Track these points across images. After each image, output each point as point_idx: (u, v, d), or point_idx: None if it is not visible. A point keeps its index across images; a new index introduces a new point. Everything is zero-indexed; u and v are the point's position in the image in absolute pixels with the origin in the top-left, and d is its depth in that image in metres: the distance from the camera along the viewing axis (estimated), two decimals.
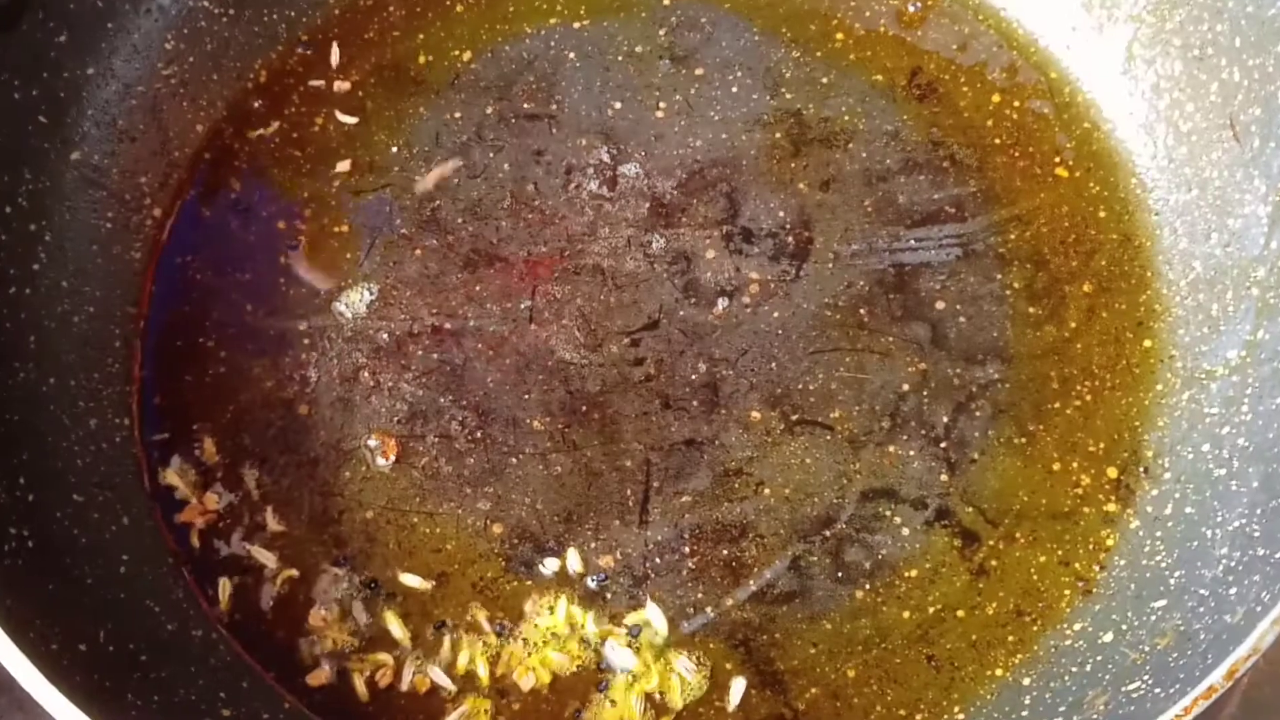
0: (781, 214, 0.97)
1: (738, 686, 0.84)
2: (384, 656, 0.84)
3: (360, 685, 0.83)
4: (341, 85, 1.01)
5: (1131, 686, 0.79)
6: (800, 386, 0.92)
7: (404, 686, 0.83)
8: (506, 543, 0.88)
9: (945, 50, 1.03)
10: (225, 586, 0.86)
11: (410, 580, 0.86)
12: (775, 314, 0.94)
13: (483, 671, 0.83)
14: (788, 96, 1.01)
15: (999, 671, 0.84)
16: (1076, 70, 1.02)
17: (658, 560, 0.87)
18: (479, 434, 0.91)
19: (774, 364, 0.92)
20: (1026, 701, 0.83)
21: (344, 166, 0.98)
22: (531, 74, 1.02)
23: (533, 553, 0.87)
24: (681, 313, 0.94)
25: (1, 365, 0.85)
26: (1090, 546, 0.88)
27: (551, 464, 0.90)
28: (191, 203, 0.97)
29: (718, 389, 0.92)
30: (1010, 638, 0.85)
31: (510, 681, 0.83)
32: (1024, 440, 0.91)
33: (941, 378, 0.92)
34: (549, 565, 0.87)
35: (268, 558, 0.86)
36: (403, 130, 1.00)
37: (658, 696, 0.83)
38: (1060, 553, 0.88)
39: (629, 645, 0.84)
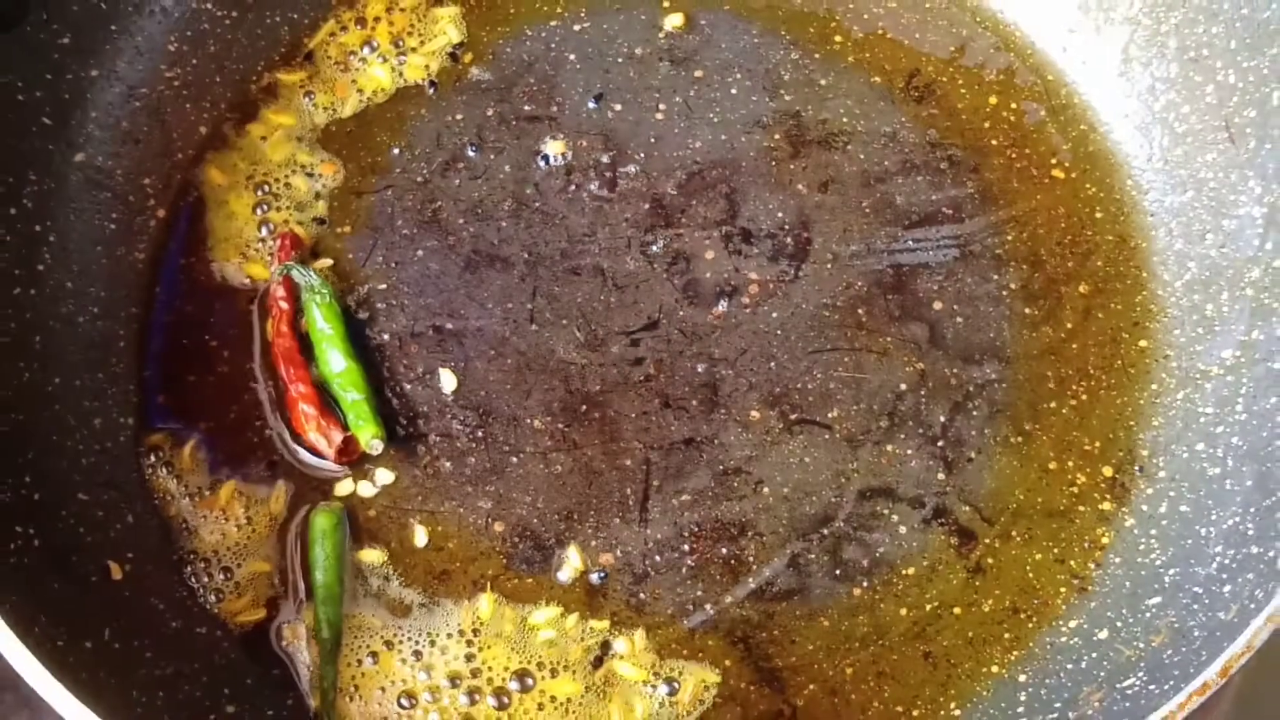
0: (780, 215, 0.98)
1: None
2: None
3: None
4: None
5: (1126, 683, 0.79)
6: (799, 386, 0.92)
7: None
8: (507, 541, 0.88)
9: (943, 52, 1.03)
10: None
11: (411, 595, 0.87)
12: (774, 314, 0.95)
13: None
14: (787, 98, 1.02)
15: (995, 668, 0.85)
16: (1073, 72, 1.02)
17: (658, 558, 0.88)
18: (480, 433, 0.91)
19: (773, 364, 0.93)
20: (1022, 698, 0.83)
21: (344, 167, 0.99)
22: (531, 75, 1.02)
23: (533, 551, 0.88)
24: (681, 313, 0.95)
25: (6, 365, 0.86)
26: (1086, 545, 0.88)
27: (552, 463, 0.90)
28: (195, 204, 0.97)
29: (717, 389, 0.92)
30: (1006, 635, 0.86)
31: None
32: (1020, 439, 0.91)
33: (939, 377, 0.93)
34: (550, 563, 0.87)
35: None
36: (403, 131, 1.01)
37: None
38: (1056, 551, 0.88)
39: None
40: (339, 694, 0.83)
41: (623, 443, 0.91)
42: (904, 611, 0.87)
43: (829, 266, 0.96)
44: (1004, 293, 0.96)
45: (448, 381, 0.92)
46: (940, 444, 0.91)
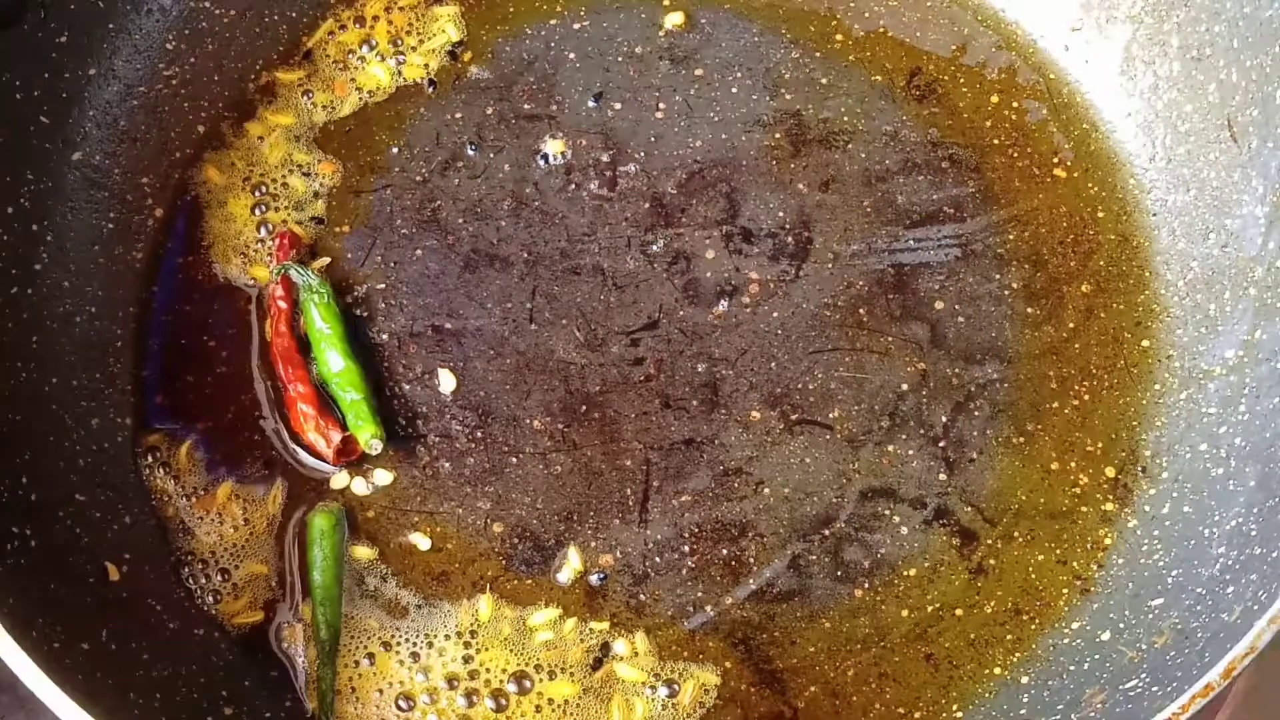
0: (781, 214, 0.97)
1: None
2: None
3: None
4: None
5: (1129, 685, 0.79)
6: (800, 386, 0.92)
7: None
8: (507, 542, 0.88)
9: (944, 51, 1.03)
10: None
11: (409, 596, 0.86)
12: (775, 314, 0.94)
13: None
14: (787, 97, 1.01)
15: (997, 670, 0.85)
16: (1075, 71, 1.02)
17: (658, 559, 0.88)
18: (479, 434, 0.91)
19: (774, 364, 0.93)
20: (1025, 700, 0.83)
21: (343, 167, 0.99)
22: (531, 74, 1.02)
23: (533, 552, 0.88)
24: (681, 313, 0.94)
25: (3, 365, 0.86)
26: (1088, 545, 0.88)
27: (551, 463, 0.90)
28: (192, 203, 0.97)
29: (718, 389, 0.92)
30: (1008, 636, 0.86)
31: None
32: (1022, 440, 0.91)
33: (940, 377, 0.93)
34: (549, 565, 0.87)
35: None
36: (403, 130, 1.00)
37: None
38: (1058, 552, 0.88)
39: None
40: (337, 695, 0.82)
41: (623, 443, 0.91)
42: (905, 613, 0.86)
43: (830, 266, 0.96)
44: (1006, 292, 0.95)
45: (447, 381, 0.92)
46: (942, 444, 0.91)
